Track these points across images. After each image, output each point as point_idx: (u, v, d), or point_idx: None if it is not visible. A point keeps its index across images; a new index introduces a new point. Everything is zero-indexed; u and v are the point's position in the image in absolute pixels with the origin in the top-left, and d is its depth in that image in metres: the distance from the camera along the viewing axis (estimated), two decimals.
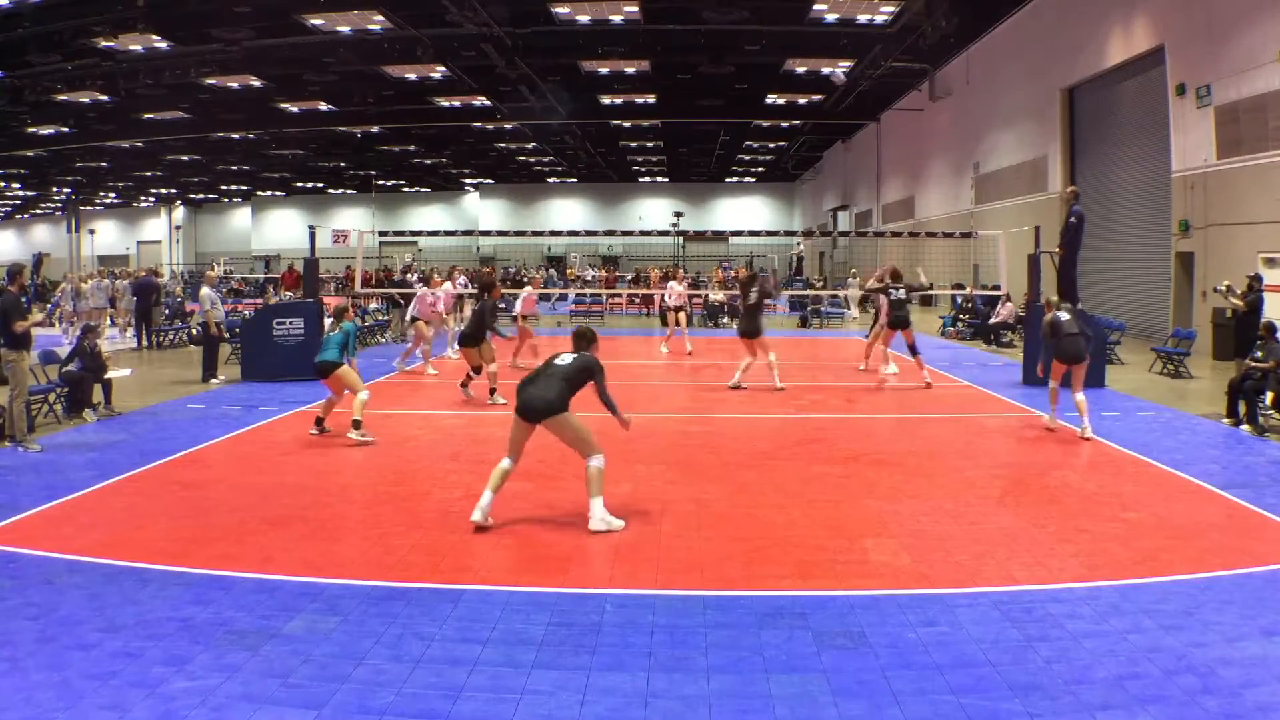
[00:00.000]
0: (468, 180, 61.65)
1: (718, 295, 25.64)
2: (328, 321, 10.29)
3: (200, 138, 38.30)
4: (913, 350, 12.62)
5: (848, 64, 26.93)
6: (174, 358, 16.99)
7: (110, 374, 10.86)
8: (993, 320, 19.12)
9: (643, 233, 50.90)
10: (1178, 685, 3.85)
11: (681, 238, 40.90)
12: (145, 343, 18.83)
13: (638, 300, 29.95)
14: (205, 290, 13.97)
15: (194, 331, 19.54)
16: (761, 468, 7.91)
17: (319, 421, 9.24)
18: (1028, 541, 5.80)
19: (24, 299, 10.14)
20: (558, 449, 8.57)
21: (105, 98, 28.45)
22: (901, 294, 12.70)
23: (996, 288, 18.96)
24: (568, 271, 40.73)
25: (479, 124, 38.03)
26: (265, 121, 34.85)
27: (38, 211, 65.59)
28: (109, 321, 20.79)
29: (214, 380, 13.20)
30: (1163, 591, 4.95)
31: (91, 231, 56.67)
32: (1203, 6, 16.13)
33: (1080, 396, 9.09)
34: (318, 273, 14.68)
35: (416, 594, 4.92)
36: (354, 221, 52.96)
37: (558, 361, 6.35)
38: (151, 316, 19.39)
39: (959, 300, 22.79)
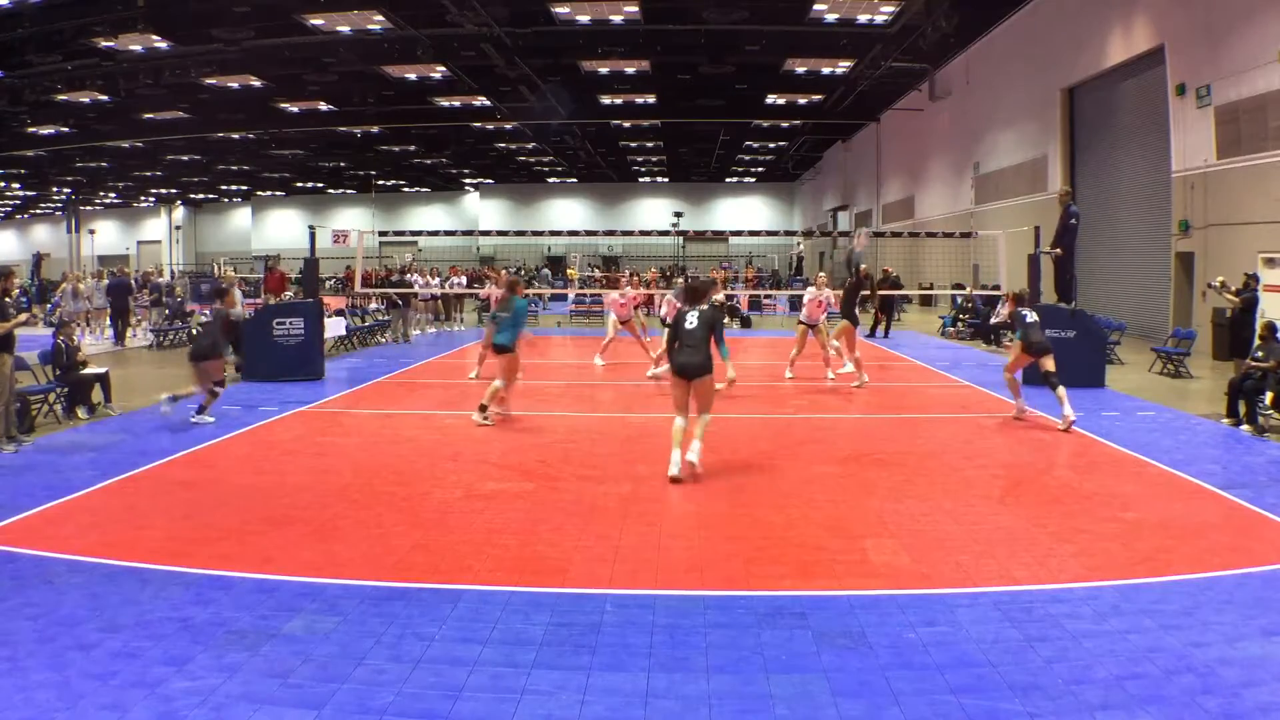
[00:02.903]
0: (468, 180, 61.63)
1: (718, 296, 25.58)
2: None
3: (200, 138, 38.28)
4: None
5: (848, 63, 26.93)
6: (175, 358, 16.97)
7: (89, 370, 10.83)
8: (993, 320, 19.05)
9: (643, 232, 50.95)
10: (1178, 685, 3.85)
11: (681, 238, 40.91)
12: (122, 342, 19.03)
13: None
14: None
15: (194, 331, 19.57)
16: (761, 468, 7.91)
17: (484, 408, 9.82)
18: (1028, 541, 5.80)
19: (24, 300, 10.12)
20: (560, 449, 8.60)
21: (105, 98, 28.44)
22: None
23: (996, 288, 18.95)
24: (569, 273, 40.70)
25: (479, 124, 38.02)
26: (265, 121, 34.84)
27: (38, 211, 65.58)
28: (108, 321, 20.80)
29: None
30: (1163, 591, 4.96)
31: (91, 231, 56.63)
32: (1203, 6, 16.13)
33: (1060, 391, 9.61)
34: (318, 272, 14.68)
35: (416, 594, 4.91)
36: (354, 221, 52.96)
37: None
38: (128, 315, 19.63)
39: (959, 300, 22.79)
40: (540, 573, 5.23)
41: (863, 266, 12.60)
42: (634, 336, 15.26)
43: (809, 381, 12.99)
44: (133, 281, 22.56)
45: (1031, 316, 10.19)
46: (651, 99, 33.39)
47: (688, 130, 41.23)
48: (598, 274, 40.09)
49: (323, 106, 33.21)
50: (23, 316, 9.58)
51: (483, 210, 62.64)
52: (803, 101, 34.17)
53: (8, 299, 9.16)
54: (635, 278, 17.70)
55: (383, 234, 45.35)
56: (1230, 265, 14.61)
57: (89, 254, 54.30)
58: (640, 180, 62.03)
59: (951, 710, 3.67)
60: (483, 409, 9.79)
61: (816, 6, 21.53)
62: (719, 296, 13.66)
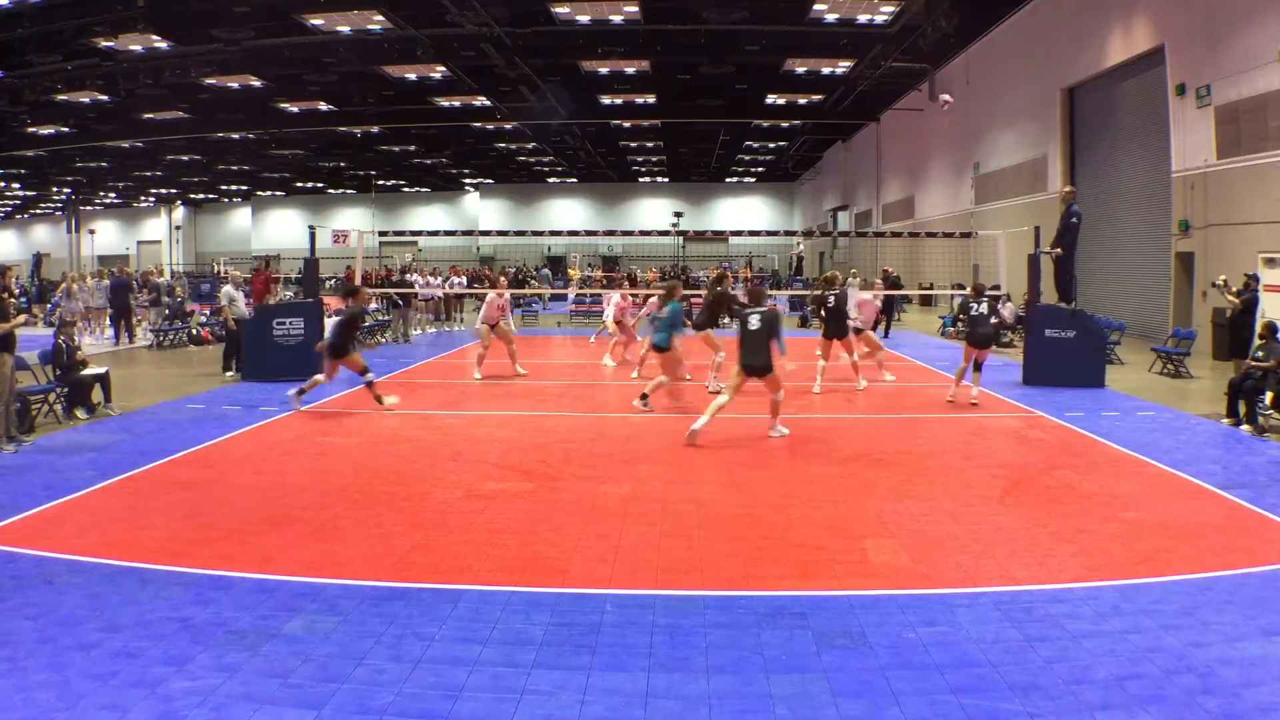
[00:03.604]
0: (468, 180, 61.62)
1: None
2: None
3: (200, 138, 38.27)
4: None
5: (848, 63, 26.92)
6: (174, 358, 16.99)
7: (89, 370, 10.81)
8: (992, 320, 19.06)
9: (643, 232, 50.98)
10: (1178, 685, 3.85)
11: (681, 238, 40.93)
12: (125, 340, 19.18)
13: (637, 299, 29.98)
14: (226, 289, 14.85)
15: (194, 331, 19.60)
16: (761, 468, 7.91)
17: (645, 396, 10.54)
18: (1028, 541, 5.80)
19: (24, 300, 10.14)
20: (560, 449, 8.60)
21: (105, 98, 28.43)
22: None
23: (996, 288, 18.95)
24: (570, 273, 40.75)
25: (479, 124, 38.01)
26: (265, 121, 34.84)
27: (38, 211, 65.57)
28: (108, 321, 20.80)
29: (229, 374, 13.77)
30: (1163, 591, 4.96)
31: (91, 231, 56.68)
32: (1203, 6, 16.12)
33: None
34: (318, 272, 14.67)
35: (416, 594, 4.92)
36: (354, 221, 52.98)
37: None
38: (130, 314, 19.78)
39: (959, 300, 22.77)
40: (540, 573, 5.24)
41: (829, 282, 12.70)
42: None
43: (807, 382, 12.97)
44: (134, 281, 22.59)
45: (978, 309, 11.06)
46: (651, 99, 33.39)
47: (688, 130, 41.23)
48: (598, 274, 40.11)
49: (323, 106, 33.20)
50: (21, 318, 9.58)
51: (483, 210, 62.64)
52: (803, 101, 34.16)
53: (10, 298, 9.16)
54: (627, 281, 17.85)
55: (383, 234, 45.34)
56: (1230, 265, 14.61)
57: (89, 254, 54.33)
58: (640, 180, 62.02)
59: (951, 710, 3.67)
60: (644, 397, 10.49)
61: (816, 6, 21.53)
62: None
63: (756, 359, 8.72)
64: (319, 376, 10.78)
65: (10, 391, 8.76)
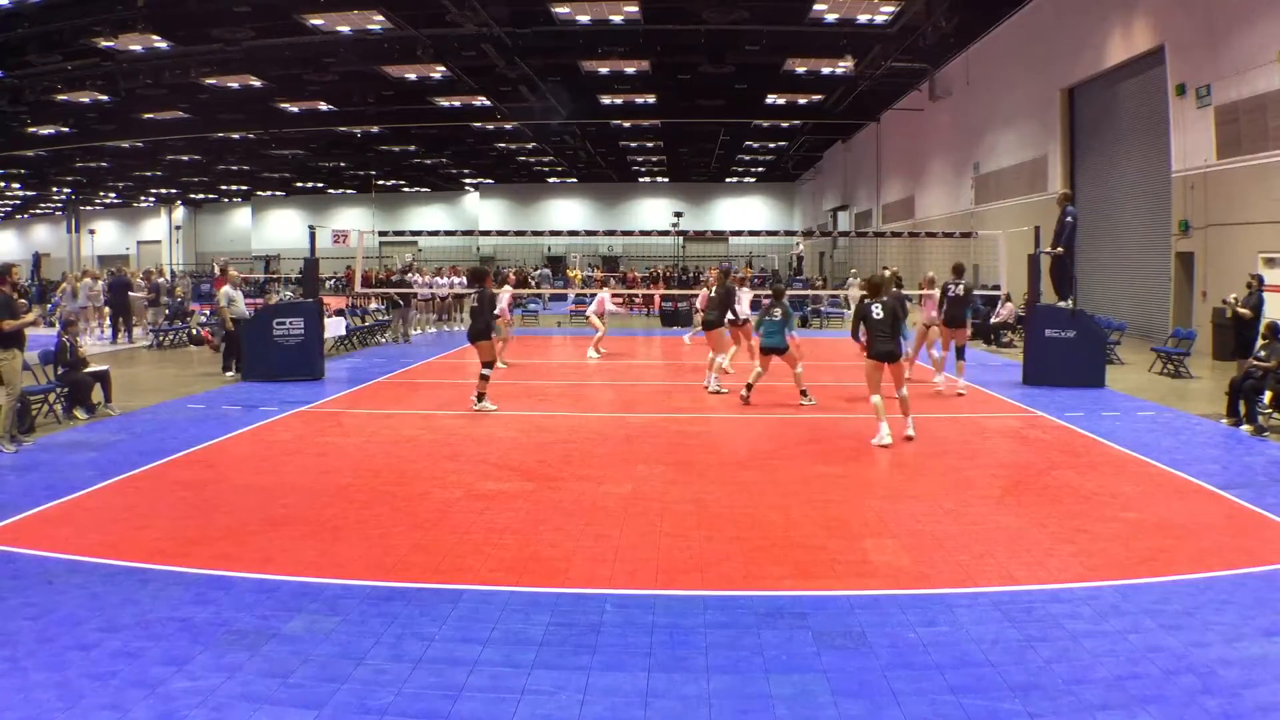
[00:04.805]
0: (468, 180, 61.64)
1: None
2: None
3: (200, 138, 38.29)
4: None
5: (848, 63, 26.94)
6: (174, 357, 16.99)
7: (91, 368, 10.81)
8: (993, 320, 19.11)
9: (643, 232, 50.97)
10: (1178, 685, 3.85)
11: (681, 238, 40.94)
12: (123, 340, 19.30)
13: (638, 300, 30.06)
14: (225, 289, 14.78)
15: (194, 331, 19.59)
16: (761, 468, 7.90)
17: (749, 388, 11.11)
18: (1028, 541, 5.80)
19: (26, 299, 10.17)
20: (560, 449, 8.60)
21: (105, 98, 28.45)
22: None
23: (996, 288, 18.96)
24: (569, 273, 40.77)
25: (479, 124, 38.03)
26: (265, 121, 34.85)
27: (38, 211, 65.59)
28: (108, 321, 20.78)
29: (229, 374, 13.77)
30: (1163, 591, 4.96)
31: (91, 231, 56.71)
32: (1203, 6, 16.12)
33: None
34: (318, 272, 14.67)
35: (416, 594, 4.91)
36: (354, 221, 53.00)
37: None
38: (129, 313, 19.83)
39: None
40: (540, 573, 5.23)
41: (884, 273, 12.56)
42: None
43: (808, 382, 12.96)
44: (139, 280, 22.61)
45: (955, 290, 11.98)
46: (651, 99, 33.39)
47: (688, 130, 41.23)
48: (598, 274, 40.16)
49: (323, 106, 33.21)
50: (32, 315, 9.60)
51: (483, 210, 62.66)
52: (803, 101, 34.17)
53: (20, 297, 9.17)
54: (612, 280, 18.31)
55: (383, 234, 45.37)
56: (1230, 265, 14.62)
57: (89, 254, 54.34)
58: (640, 180, 62.04)
59: (951, 710, 3.67)
60: (804, 393, 11.13)
61: (816, 6, 21.53)
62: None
63: (885, 345, 9.07)
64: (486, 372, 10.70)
65: (19, 388, 8.77)
